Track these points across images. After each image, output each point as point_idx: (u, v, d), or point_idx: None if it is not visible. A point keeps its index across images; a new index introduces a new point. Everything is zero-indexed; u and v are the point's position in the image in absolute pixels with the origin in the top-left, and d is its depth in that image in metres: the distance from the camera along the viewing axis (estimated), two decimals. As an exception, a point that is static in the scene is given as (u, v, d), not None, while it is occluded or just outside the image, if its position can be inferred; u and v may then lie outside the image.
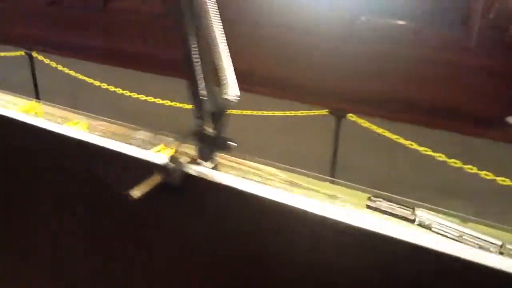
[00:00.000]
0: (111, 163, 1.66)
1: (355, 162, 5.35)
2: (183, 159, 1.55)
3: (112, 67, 7.66)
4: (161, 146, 3.62)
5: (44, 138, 1.79)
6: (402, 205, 3.20)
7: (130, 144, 4.28)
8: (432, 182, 4.97)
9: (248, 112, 5.36)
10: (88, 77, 6.81)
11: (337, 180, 4.01)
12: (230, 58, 1.57)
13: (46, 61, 7.08)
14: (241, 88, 5.86)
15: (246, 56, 6.71)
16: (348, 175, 5.06)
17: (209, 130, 1.59)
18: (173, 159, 1.54)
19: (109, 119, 4.63)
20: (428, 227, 3.03)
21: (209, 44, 1.53)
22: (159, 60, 7.58)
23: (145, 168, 1.52)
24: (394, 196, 3.60)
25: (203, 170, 1.52)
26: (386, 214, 3.17)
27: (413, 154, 4.83)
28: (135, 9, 8.16)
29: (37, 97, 7.53)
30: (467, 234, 2.93)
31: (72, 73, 6.84)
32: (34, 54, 7.17)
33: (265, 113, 5.41)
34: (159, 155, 1.59)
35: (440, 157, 4.70)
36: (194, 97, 1.57)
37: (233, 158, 3.66)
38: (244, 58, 6.79)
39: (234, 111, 5.34)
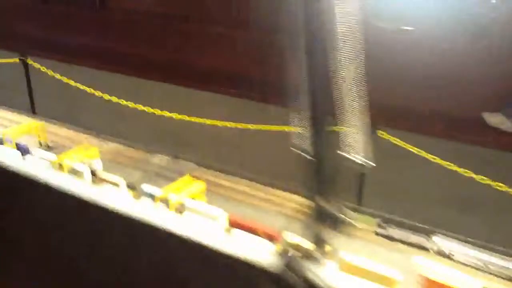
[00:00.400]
0: (201, 264, 1.20)
1: (385, 183, 4.95)
2: (296, 254, 1.09)
3: (109, 74, 7.20)
4: (187, 177, 3.17)
5: (99, 216, 1.34)
6: (417, 232, 2.91)
7: (147, 171, 3.86)
8: (476, 207, 4.61)
9: (267, 127, 4.93)
10: (86, 85, 6.30)
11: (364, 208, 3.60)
12: (363, 99, 1.11)
13: (43, 68, 6.58)
14: (255, 99, 5.33)
15: (260, 63, 6.32)
16: (377, 198, 4.69)
17: (325, 203, 1.12)
18: (291, 263, 1.07)
19: (119, 140, 4.16)
20: (447, 257, 2.76)
21: (332, 77, 1.06)
22: (160, 65, 7.11)
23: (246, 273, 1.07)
24: (407, 221, 3.27)
25: (331, 275, 1.07)
26: (398, 242, 2.89)
27: (453, 175, 4.42)
28: (135, 9, 7.69)
29: (32, 105, 7.02)
30: (494, 263, 2.67)
31: (71, 82, 6.33)
32: (29, 61, 6.65)
33: (281, 128, 4.95)
34: (262, 252, 1.13)
35: (483, 179, 4.31)
36: (307, 154, 1.12)
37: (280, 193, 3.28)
38: (259, 65, 6.39)
39: (254, 126, 4.88)
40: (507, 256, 2.75)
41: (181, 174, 3.66)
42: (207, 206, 2.90)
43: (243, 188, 3.41)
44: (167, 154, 3.92)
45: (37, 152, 3.72)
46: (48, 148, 4.06)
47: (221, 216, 2.85)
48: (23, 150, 3.78)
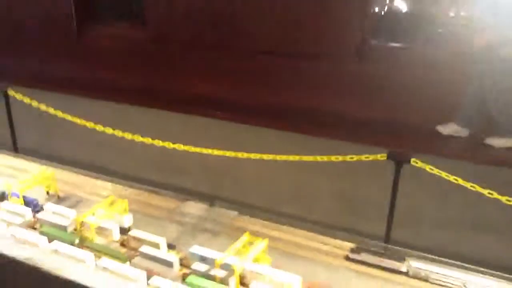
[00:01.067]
0: None
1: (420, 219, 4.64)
2: None
3: (95, 101, 6.64)
4: (247, 235, 2.73)
5: None
6: (392, 257, 2.84)
7: (183, 223, 3.36)
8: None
9: (297, 158, 4.52)
10: (72, 115, 5.72)
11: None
12: None
13: (27, 100, 5.96)
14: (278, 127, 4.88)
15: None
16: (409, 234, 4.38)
17: None
18: None
19: (144, 187, 3.66)
20: (424, 279, 2.71)
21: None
22: (140, 91, 6.60)
23: None
24: (384, 244, 3.17)
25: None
26: (373, 267, 2.81)
27: (495, 204, 4.15)
28: (113, 34, 7.20)
29: (14, 138, 6.39)
30: (472, 283, 2.64)
31: (59, 113, 5.73)
32: (11, 92, 6.03)
33: (313, 158, 4.57)
34: None
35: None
36: None
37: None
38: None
39: (281, 156, 4.47)
40: (484, 274, 2.74)
41: (222, 224, 3.23)
42: (278, 272, 2.48)
43: (302, 240, 3.00)
44: (200, 200, 3.47)
45: (51, 208, 3.20)
46: (59, 199, 3.53)
47: (295, 283, 2.44)
48: (34, 206, 3.25)
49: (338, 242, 3.03)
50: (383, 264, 2.80)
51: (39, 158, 4.38)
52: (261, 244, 2.64)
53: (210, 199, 3.86)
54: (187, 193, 3.85)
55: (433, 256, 2.91)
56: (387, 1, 5.56)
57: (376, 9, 5.68)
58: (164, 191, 3.61)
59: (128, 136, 5.05)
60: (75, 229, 2.99)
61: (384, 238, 4.54)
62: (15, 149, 6.32)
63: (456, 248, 4.26)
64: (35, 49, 7.41)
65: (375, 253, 2.87)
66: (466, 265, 2.83)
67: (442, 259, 2.88)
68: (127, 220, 3.04)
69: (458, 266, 2.80)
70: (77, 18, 7.38)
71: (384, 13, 5.74)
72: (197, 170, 5.45)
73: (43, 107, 5.85)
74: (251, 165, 4.75)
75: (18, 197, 3.28)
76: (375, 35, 5.66)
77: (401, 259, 2.82)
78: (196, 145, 4.68)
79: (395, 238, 4.49)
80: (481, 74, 4.49)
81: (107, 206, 3.08)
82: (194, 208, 3.39)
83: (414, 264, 2.77)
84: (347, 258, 2.88)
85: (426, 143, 4.76)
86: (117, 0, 7.91)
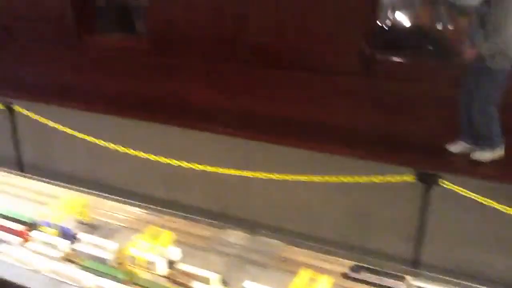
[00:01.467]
0: None
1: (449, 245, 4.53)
2: None
3: (98, 115, 6.45)
4: (305, 271, 2.60)
5: None
6: (392, 276, 2.76)
7: (228, 255, 3.18)
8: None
9: (321, 179, 4.38)
10: (80, 132, 5.52)
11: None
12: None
13: (33, 116, 5.74)
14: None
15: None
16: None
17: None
18: None
19: (179, 214, 3.49)
20: None
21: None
22: (144, 104, 6.41)
23: None
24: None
25: None
26: (373, 286, 2.74)
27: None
28: (116, 44, 7.03)
29: (19, 156, 6.17)
30: None
31: (68, 130, 5.52)
32: (17, 108, 5.82)
33: (337, 179, 4.45)
34: None
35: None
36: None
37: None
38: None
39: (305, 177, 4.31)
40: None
41: (269, 255, 3.08)
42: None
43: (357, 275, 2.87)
44: (240, 228, 3.32)
45: (87, 238, 3.02)
46: (93, 228, 3.34)
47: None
48: (69, 237, 3.06)
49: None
50: (382, 283, 2.73)
51: (46, 178, 4.19)
52: (325, 282, 2.52)
53: (218, 217, 3.73)
54: (193, 210, 3.71)
55: (435, 275, 2.84)
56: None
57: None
58: (197, 217, 3.45)
59: (140, 154, 4.90)
60: (118, 263, 2.83)
61: (412, 261, 4.44)
62: (20, 167, 6.10)
63: (489, 271, 4.18)
64: (36, 62, 7.18)
65: (374, 272, 2.79)
66: (469, 284, 2.78)
67: (445, 277, 2.82)
68: (175, 253, 2.87)
69: (459, 285, 2.76)
70: (78, 31, 7.19)
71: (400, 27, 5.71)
72: (202, 187, 5.24)
73: (50, 123, 5.65)
74: (271, 184, 4.60)
75: (49, 226, 3.10)
76: (387, 49, 5.61)
77: (401, 277, 2.74)
78: (201, 162, 4.56)
79: (424, 261, 4.39)
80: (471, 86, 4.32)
81: (149, 237, 2.92)
82: (235, 237, 3.24)
83: (418, 284, 2.70)
84: (345, 276, 2.80)
85: (444, 162, 4.61)
86: (119, 13, 7.80)
